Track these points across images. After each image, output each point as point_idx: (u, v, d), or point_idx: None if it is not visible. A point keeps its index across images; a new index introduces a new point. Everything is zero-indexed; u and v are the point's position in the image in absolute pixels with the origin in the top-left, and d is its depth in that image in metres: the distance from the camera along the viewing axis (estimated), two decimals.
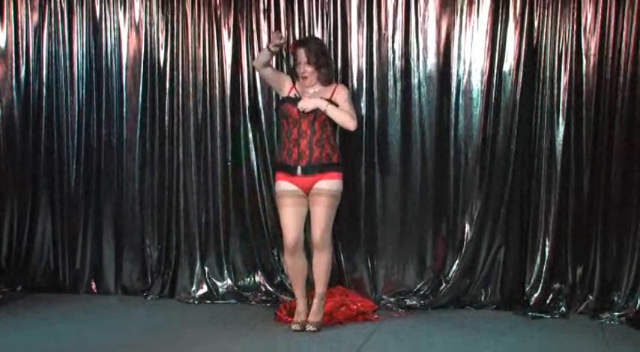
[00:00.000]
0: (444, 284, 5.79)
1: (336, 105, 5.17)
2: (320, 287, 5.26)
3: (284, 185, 5.22)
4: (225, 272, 6.09)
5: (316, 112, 5.13)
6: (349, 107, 5.21)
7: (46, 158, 6.27)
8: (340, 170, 5.24)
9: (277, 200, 5.31)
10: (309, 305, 5.29)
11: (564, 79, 5.52)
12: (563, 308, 5.53)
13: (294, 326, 5.20)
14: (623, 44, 5.38)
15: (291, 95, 5.28)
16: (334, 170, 5.18)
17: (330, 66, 5.35)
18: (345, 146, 5.80)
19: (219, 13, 5.99)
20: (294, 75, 5.35)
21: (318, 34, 5.84)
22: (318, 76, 5.25)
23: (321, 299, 5.27)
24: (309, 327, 5.17)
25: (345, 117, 5.15)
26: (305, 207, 5.21)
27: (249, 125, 5.99)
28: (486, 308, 5.72)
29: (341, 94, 5.22)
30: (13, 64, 6.25)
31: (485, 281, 5.75)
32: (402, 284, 5.87)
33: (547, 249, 5.59)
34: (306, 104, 5.14)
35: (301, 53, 5.22)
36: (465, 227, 5.76)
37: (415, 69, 5.76)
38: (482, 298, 5.75)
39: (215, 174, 6.06)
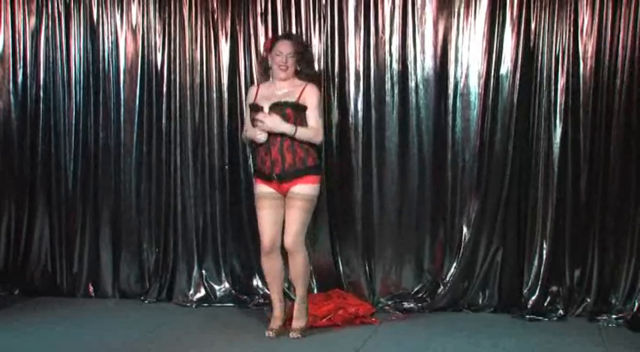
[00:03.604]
0: (441, 287, 5.79)
1: (304, 108, 5.08)
2: (299, 290, 5.18)
3: (261, 187, 5.17)
4: (223, 275, 6.09)
5: (282, 117, 5.04)
6: (317, 115, 5.10)
7: (44, 161, 6.27)
8: (317, 173, 5.16)
9: (255, 202, 5.25)
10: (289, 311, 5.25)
11: (561, 82, 5.52)
12: (560, 311, 5.53)
13: (267, 333, 5.12)
14: (620, 46, 5.38)
15: (256, 102, 5.17)
16: (310, 173, 5.09)
17: (312, 63, 5.35)
18: (342, 148, 5.83)
19: (216, 16, 6.00)
20: (264, 75, 5.28)
21: (315, 37, 5.86)
22: (295, 71, 5.17)
23: (302, 302, 5.19)
24: (292, 334, 5.10)
25: (311, 136, 5.06)
26: (282, 208, 5.14)
27: None
28: (484, 311, 5.71)
29: (310, 98, 5.10)
30: (11, 68, 6.26)
31: (482, 283, 5.75)
32: (400, 287, 5.87)
33: (545, 252, 5.58)
34: (270, 127, 5.01)
35: (286, 44, 5.15)
36: (462, 229, 5.76)
37: (412, 72, 5.76)
38: (480, 301, 5.75)
39: (212, 177, 6.06)
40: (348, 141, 5.83)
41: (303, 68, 5.19)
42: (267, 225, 5.15)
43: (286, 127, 5.01)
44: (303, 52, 5.21)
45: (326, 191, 5.87)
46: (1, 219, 6.29)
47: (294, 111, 5.07)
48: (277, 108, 5.07)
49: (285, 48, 5.15)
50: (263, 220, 5.17)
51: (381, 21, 5.77)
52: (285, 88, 5.16)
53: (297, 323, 5.16)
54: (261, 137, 5.05)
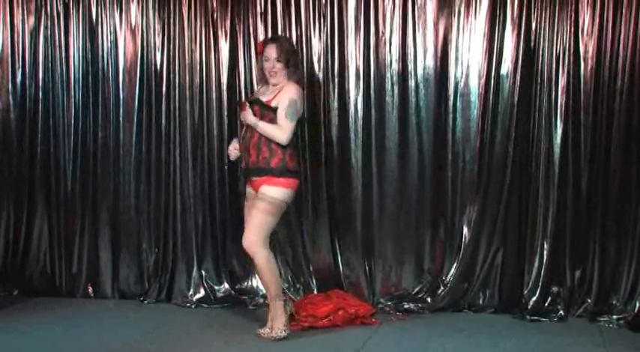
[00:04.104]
0: (442, 288, 5.78)
1: (273, 108, 5.03)
2: (268, 293, 5.13)
3: (245, 186, 5.28)
4: (223, 275, 6.09)
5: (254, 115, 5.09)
6: (284, 115, 5.02)
7: (43, 162, 6.26)
8: (282, 176, 5.03)
9: None
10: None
11: (562, 82, 5.51)
12: (561, 312, 5.51)
13: (259, 330, 5.15)
14: (621, 46, 5.37)
15: (242, 98, 5.33)
16: (274, 175, 5.03)
17: (298, 66, 5.29)
18: (342, 148, 5.82)
19: (215, 16, 5.99)
20: (263, 78, 5.26)
21: (315, 36, 5.85)
22: (287, 74, 5.14)
23: (275, 301, 5.07)
24: (269, 335, 5.05)
25: (273, 134, 5.01)
26: None
27: None
28: (484, 312, 5.70)
29: (284, 97, 5.06)
30: (10, 68, 6.25)
31: (483, 284, 5.73)
32: (400, 287, 5.86)
33: (545, 252, 5.57)
34: (243, 118, 5.15)
35: (272, 49, 5.13)
36: (462, 230, 5.75)
37: (413, 72, 5.74)
38: (481, 301, 5.74)
39: (212, 177, 6.06)
40: (348, 141, 5.82)
41: (292, 71, 5.16)
42: (246, 226, 5.20)
43: (250, 119, 5.07)
44: (290, 53, 5.17)
45: (326, 191, 5.88)
46: (0, 219, 6.29)
47: (261, 109, 5.07)
48: (250, 104, 5.14)
49: (271, 52, 5.13)
50: (245, 220, 5.23)
51: (381, 20, 5.76)
52: (270, 89, 5.18)
53: (274, 324, 5.08)
54: (231, 151, 5.28)
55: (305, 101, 5.28)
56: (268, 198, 5.02)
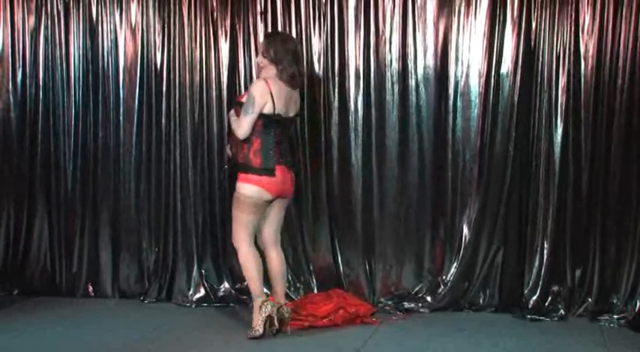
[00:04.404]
0: (442, 287, 5.77)
1: (241, 103, 5.08)
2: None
3: None
4: (223, 275, 6.08)
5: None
6: (242, 111, 5.00)
7: (43, 161, 6.26)
8: (246, 172, 5.03)
9: None
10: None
11: (562, 81, 5.50)
12: (561, 311, 5.51)
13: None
14: (621, 46, 5.37)
15: None
16: (240, 171, 5.08)
17: (291, 67, 5.06)
18: (343, 147, 5.83)
19: (215, 15, 5.98)
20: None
21: (315, 36, 5.85)
22: (278, 74, 5.07)
23: (253, 300, 5.09)
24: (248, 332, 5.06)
25: (233, 128, 5.09)
26: None
27: None
28: (485, 311, 5.70)
29: (247, 93, 5.10)
30: (10, 68, 6.25)
31: (483, 283, 5.73)
32: (400, 286, 5.86)
33: (545, 252, 5.56)
34: None
35: (262, 44, 5.21)
36: (463, 229, 5.75)
37: (413, 71, 5.74)
38: (481, 301, 5.74)
39: (212, 176, 6.05)
40: (348, 140, 5.82)
41: (281, 70, 5.06)
42: None
43: (229, 113, 5.27)
44: (282, 52, 5.07)
45: (326, 190, 5.88)
46: (1, 219, 6.29)
47: (235, 105, 5.22)
48: None
49: (261, 47, 5.22)
50: None
51: (381, 20, 5.76)
52: None
53: (251, 323, 5.08)
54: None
55: (273, 99, 4.98)
56: (235, 193, 5.10)
